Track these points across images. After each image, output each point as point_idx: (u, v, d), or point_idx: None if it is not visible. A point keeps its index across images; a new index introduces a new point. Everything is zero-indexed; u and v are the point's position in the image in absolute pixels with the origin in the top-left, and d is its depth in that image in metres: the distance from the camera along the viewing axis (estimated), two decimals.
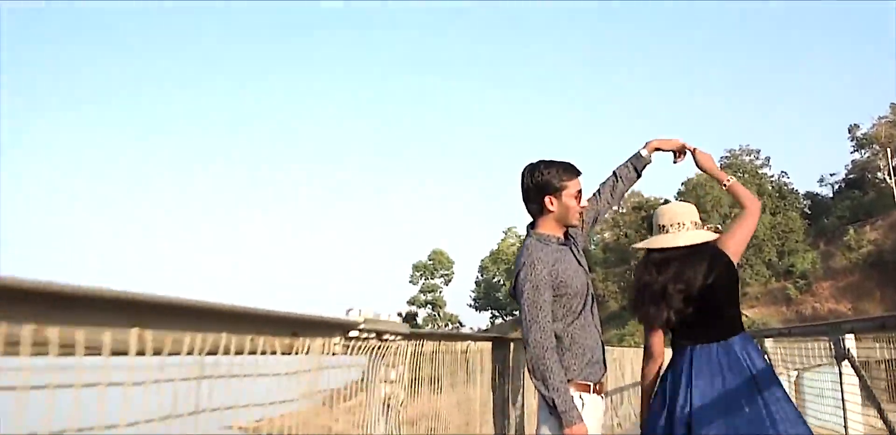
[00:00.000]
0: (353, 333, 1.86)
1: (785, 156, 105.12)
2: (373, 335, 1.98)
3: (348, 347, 1.88)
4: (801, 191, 72.36)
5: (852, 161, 79.22)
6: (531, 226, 3.12)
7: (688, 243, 3.33)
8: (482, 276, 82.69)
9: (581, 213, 3.12)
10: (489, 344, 3.89)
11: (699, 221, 3.56)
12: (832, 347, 4.58)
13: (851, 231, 58.49)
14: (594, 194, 3.37)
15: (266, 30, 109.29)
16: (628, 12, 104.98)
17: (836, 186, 79.64)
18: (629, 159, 3.45)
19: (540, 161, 3.09)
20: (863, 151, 76.96)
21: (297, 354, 1.55)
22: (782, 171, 70.84)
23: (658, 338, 3.45)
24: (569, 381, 2.92)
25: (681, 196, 71.60)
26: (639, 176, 3.46)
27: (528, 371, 2.90)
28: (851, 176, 78.85)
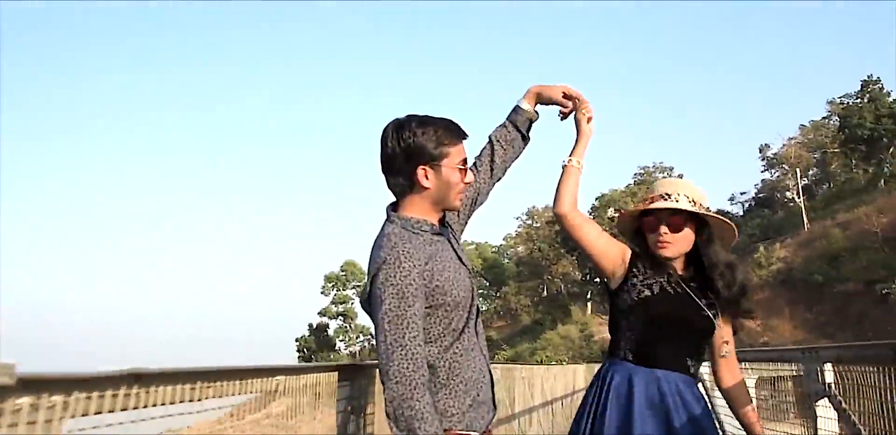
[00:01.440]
0: None
1: (697, 174, 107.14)
2: None
3: None
4: (713, 209, 73.29)
5: (762, 180, 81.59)
6: (393, 207, 2.30)
7: None
8: None
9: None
10: (332, 376, 2.62)
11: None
12: (805, 379, 3.48)
13: (762, 248, 59.18)
14: (470, 168, 2.48)
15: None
16: (545, 26, 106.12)
17: (747, 205, 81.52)
18: (508, 115, 2.67)
19: (410, 117, 2.28)
20: (773, 171, 79.20)
21: None
22: None
23: None
24: (446, 431, 2.14)
25: (594, 211, 72.41)
26: (525, 137, 2.67)
27: (388, 417, 2.06)
28: (761, 195, 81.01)
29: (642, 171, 75.97)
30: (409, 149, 2.21)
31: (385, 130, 2.26)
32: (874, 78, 69.86)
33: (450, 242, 2.32)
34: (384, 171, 2.28)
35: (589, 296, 74.92)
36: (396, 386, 2.03)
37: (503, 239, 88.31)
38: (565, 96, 2.66)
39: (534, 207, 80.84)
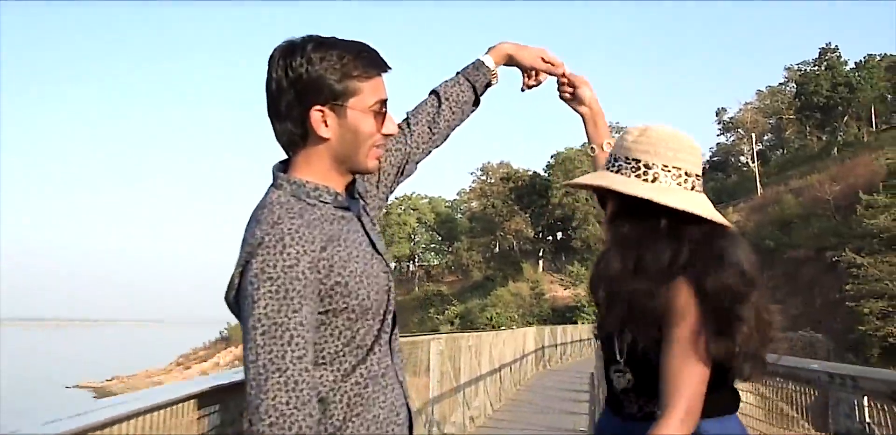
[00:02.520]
0: None
1: None
2: None
3: None
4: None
5: (717, 144, 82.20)
6: (281, 167, 1.71)
7: None
8: None
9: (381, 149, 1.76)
10: (186, 406, 1.76)
11: None
12: (832, 411, 2.71)
13: None
14: (402, 124, 2.02)
15: None
16: None
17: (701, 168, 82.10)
18: (464, 70, 2.11)
19: (307, 38, 1.65)
20: (728, 135, 79.89)
21: None
22: None
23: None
24: None
25: (550, 169, 72.19)
26: (477, 100, 2.12)
27: None
28: (716, 159, 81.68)
29: None
30: (301, 81, 1.61)
31: (271, 57, 1.65)
32: (832, 46, 70.44)
33: (360, 220, 1.72)
34: (269, 113, 1.67)
35: (541, 253, 75.08)
36: (270, 429, 1.42)
37: (457, 194, 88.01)
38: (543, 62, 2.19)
39: (488, 163, 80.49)
